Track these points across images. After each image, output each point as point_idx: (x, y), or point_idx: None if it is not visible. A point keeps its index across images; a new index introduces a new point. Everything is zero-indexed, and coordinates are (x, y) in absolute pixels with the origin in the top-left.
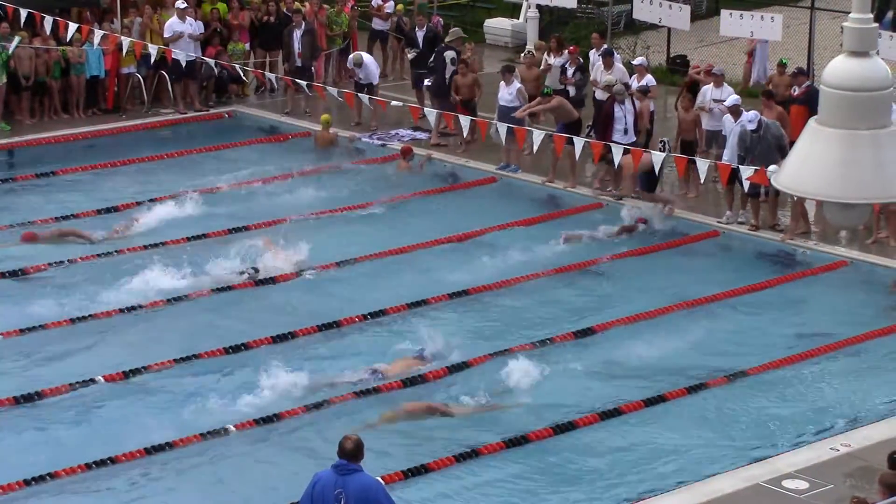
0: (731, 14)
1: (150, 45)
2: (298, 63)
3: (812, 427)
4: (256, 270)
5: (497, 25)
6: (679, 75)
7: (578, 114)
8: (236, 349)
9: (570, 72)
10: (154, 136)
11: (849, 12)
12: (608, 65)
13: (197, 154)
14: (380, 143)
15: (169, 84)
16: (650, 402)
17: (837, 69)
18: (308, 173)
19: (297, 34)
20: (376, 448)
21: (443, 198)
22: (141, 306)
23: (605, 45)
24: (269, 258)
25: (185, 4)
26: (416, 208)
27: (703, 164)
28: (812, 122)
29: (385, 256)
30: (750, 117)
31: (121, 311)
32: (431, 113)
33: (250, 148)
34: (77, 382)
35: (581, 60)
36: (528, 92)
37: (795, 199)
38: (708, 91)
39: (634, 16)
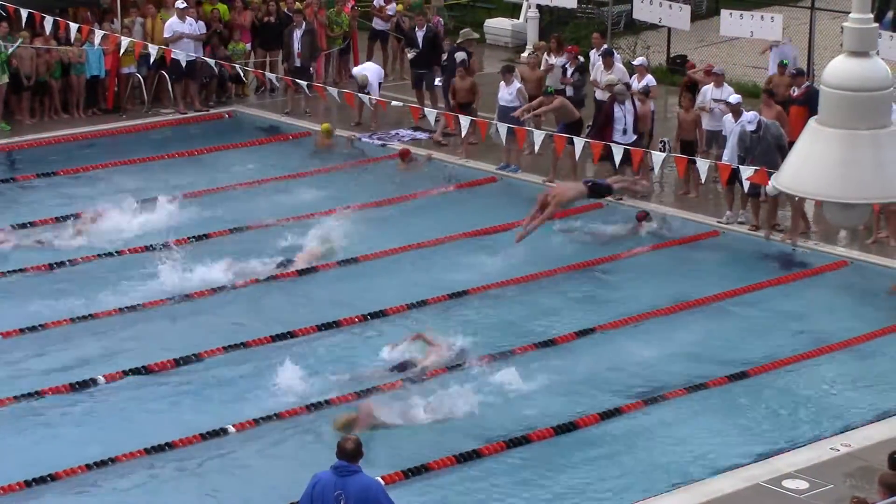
0: (731, 14)
1: (149, 45)
2: (298, 63)
3: (812, 427)
4: (289, 262)
5: (497, 25)
6: (679, 75)
7: (579, 114)
8: (235, 347)
9: (568, 72)
10: (154, 136)
11: (849, 12)
12: (608, 65)
13: (197, 154)
14: (380, 143)
15: (169, 84)
16: (650, 402)
17: (837, 69)
18: (307, 174)
19: (298, 34)
20: (379, 448)
21: (443, 198)
22: (140, 306)
23: (605, 45)
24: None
25: (185, 4)
26: (416, 208)
27: (703, 165)
28: (812, 122)
29: (386, 256)
30: (749, 118)
31: (120, 310)
32: (432, 113)
33: (250, 148)
34: (77, 382)
35: (581, 60)
36: (530, 93)
37: (796, 199)
38: (708, 91)
39: (634, 16)
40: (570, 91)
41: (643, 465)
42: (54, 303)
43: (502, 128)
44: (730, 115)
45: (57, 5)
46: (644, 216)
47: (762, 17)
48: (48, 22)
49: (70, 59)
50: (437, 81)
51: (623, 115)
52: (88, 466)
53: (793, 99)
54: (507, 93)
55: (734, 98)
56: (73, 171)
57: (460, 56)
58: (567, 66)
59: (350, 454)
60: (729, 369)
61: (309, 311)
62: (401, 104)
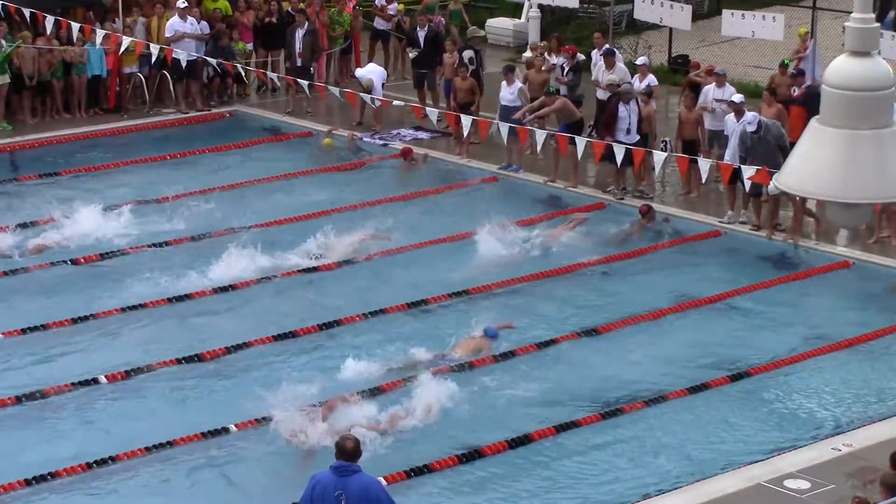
0: (732, 14)
1: (150, 44)
2: (299, 63)
3: (814, 427)
4: (319, 257)
5: (499, 25)
6: (681, 75)
7: (581, 114)
8: (237, 348)
9: (563, 71)
10: (155, 136)
11: (850, 12)
12: (610, 64)
13: (199, 154)
14: (381, 142)
15: (171, 84)
16: (651, 402)
17: (839, 69)
18: (309, 173)
19: (300, 34)
20: (381, 448)
21: (443, 197)
22: (143, 305)
23: (607, 45)
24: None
25: (186, 4)
26: (418, 208)
27: (704, 164)
28: (814, 121)
29: (388, 255)
30: (749, 119)
31: (122, 310)
32: (433, 112)
33: (252, 148)
34: (79, 382)
35: (582, 58)
36: (534, 94)
37: (797, 199)
38: (710, 91)
39: (636, 15)
40: (563, 90)
41: (645, 464)
42: (54, 302)
43: (504, 128)
44: (732, 114)
45: (59, 5)
46: (647, 210)
47: (763, 17)
48: (50, 21)
49: (72, 58)
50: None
51: (628, 114)
52: (89, 465)
53: (792, 99)
54: (509, 92)
55: (737, 97)
56: (74, 171)
57: (468, 54)
58: (563, 65)
59: (350, 453)
60: (730, 369)
61: (313, 314)
62: (402, 104)
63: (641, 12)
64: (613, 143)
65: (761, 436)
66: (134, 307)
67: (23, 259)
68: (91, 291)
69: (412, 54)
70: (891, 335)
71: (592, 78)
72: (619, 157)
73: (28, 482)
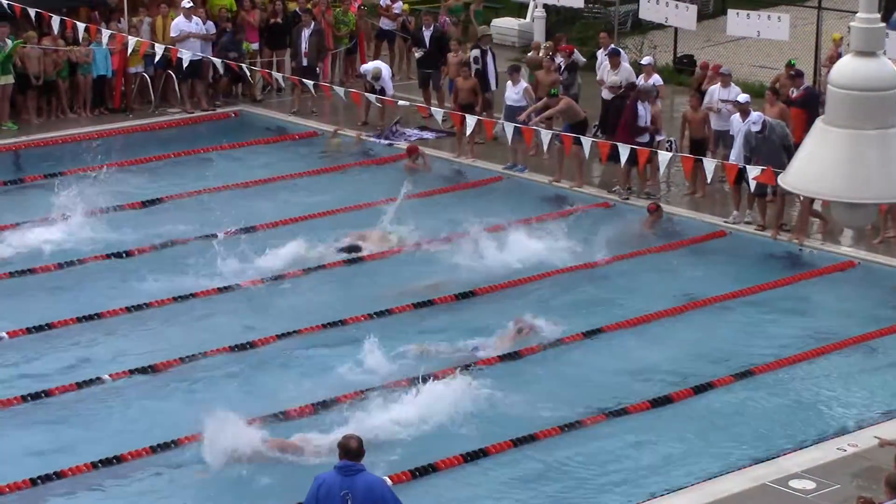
0: (737, 14)
1: (155, 44)
2: (305, 63)
3: (819, 427)
4: (355, 249)
5: (504, 25)
6: (686, 75)
7: (585, 113)
8: (241, 348)
9: (560, 70)
10: (161, 136)
11: (856, 12)
12: (615, 64)
13: (204, 153)
14: (387, 142)
15: (176, 84)
16: (657, 403)
17: (845, 69)
18: (315, 173)
19: (306, 33)
20: (384, 448)
21: (448, 197)
22: (147, 305)
23: (612, 45)
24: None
25: (191, 3)
26: (422, 207)
27: (709, 164)
28: (819, 121)
29: (391, 255)
30: (754, 118)
31: (128, 309)
32: (439, 112)
33: (257, 148)
34: (83, 381)
35: (580, 59)
36: (541, 95)
37: (802, 199)
38: (715, 91)
39: (641, 15)
40: (560, 89)
41: (650, 464)
42: (59, 302)
43: (509, 127)
44: (737, 114)
45: (64, 5)
46: (656, 209)
47: (769, 16)
48: (55, 21)
49: (77, 58)
50: None
51: (645, 113)
52: (94, 465)
53: (791, 100)
54: (514, 92)
55: (743, 97)
56: (79, 171)
57: (474, 53)
58: (560, 64)
59: (354, 453)
60: (735, 369)
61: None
62: (407, 104)
63: (646, 12)
64: (619, 144)
65: (766, 435)
66: (139, 307)
67: (27, 259)
68: (96, 291)
69: (418, 54)
70: None
71: (597, 78)
72: (624, 157)
73: (33, 481)
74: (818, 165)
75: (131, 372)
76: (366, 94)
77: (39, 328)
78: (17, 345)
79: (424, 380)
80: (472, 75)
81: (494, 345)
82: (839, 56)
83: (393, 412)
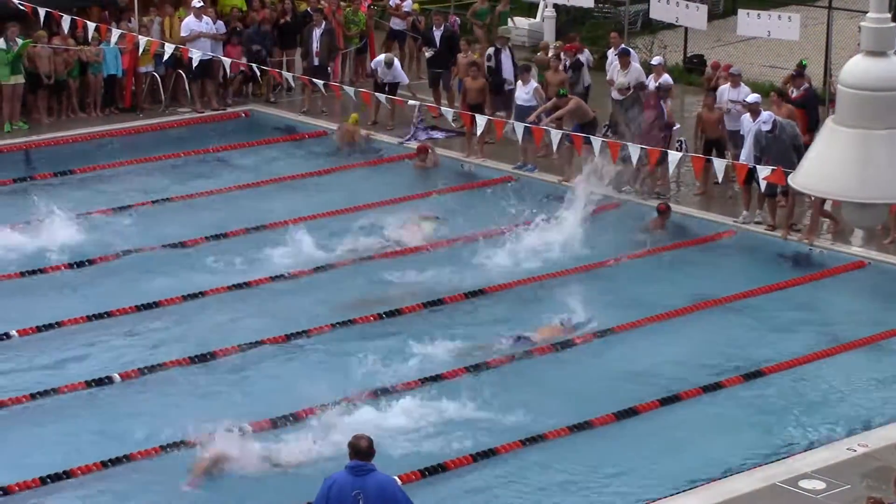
0: (748, 14)
1: (165, 44)
2: (316, 62)
3: (829, 427)
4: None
5: (514, 25)
6: (696, 75)
7: (594, 113)
8: (250, 346)
9: (566, 69)
10: (171, 136)
11: (866, 12)
12: (625, 64)
13: (214, 153)
14: (397, 141)
15: (186, 83)
16: (666, 402)
17: (854, 69)
18: (325, 172)
19: (317, 33)
20: (388, 448)
21: (458, 196)
22: (157, 304)
23: (623, 45)
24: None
25: (201, 3)
26: (428, 207)
27: (719, 164)
28: (829, 121)
29: (393, 256)
30: (764, 118)
31: (137, 308)
32: (449, 112)
33: (267, 147)
34: (93, 380)
35: (588, 58)
36: (550, 95)
37: (813, 199)
38: (725, 91)
39: (651, 15)
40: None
41: (659, 464)
42: (69, 301)
43: (519, 127)
44: (747, 114)
45: (75, 4)
46: (665, 209)
47: (779, 16)
48: (66, 21)
49: (88, 58)
50: None
51: (664, 111)
52: (104, 464)
53: (791, 100)
54: (524, 92)
55: (752, 97)
56: (90, 170)
57: (489, 52)
58: (566, 62)
59: (365, 453)
60: (745, 369)
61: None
62: (418, 103)
63: (657, 12)
64: (628, 144)
65: (776, 436)
66: (149, 305)
67: (37, 258)
68: (106, 290)
69: (428, 54)
70: None
71: (607, 77)
72: (634, 157)
73: (43, 480)
74: (828, 165)
75: (140, 371)
76: (375, 93)
77: (49, 326)
78: (26, 343)
79: (433, 379)
80: (486, 74)
81: (534, 338)
82: None
83: (402, 412)
